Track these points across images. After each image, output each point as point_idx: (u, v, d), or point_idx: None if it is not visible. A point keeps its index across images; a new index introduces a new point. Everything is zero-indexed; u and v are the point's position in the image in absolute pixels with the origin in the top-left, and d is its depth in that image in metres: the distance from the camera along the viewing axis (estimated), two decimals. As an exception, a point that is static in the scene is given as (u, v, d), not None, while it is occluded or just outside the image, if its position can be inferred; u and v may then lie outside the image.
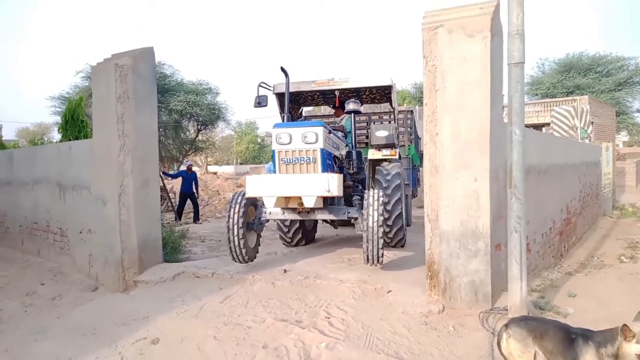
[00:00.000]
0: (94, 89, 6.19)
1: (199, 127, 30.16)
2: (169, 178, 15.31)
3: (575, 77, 29.69)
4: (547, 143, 6.66)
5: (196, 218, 13.25)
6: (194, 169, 14.50)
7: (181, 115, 27.43)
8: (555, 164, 6.85)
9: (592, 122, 14.62)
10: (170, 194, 18.65)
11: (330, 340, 3.84)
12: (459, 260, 4.32)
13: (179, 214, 13.45)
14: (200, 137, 31.81)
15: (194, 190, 13.39)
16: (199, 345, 4.00)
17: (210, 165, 47.28)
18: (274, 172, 5.64)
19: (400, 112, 9.51)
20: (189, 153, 30.61)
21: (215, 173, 31.14)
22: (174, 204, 14.99)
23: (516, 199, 3.84)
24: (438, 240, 4.41)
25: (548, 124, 15.85)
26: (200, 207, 14.23)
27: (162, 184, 15.18)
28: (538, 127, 19.39)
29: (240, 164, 50.37)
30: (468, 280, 4.30)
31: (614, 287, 5.30)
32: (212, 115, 28.65)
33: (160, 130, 27.62)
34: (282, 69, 6.49)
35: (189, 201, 13.41)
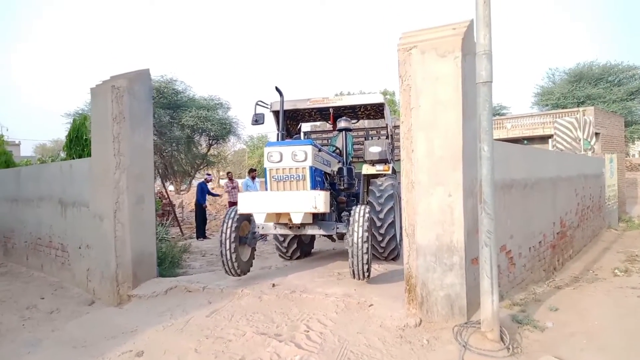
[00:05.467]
0: (93, 110, 6.47)
1: (211, 141, 30.61)
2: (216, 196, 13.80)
3: (585, 87, 29.44)
4: (534, 157, 6.70)
5: (202, 234, 12.88)
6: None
7: (193, 130, 27.77)
8: (545, 178, 6.88)
9: (598, 134, 14.52)
10: (177, 209, 18.94)
11: (304, 353, 3.94)
12: (435, 274, 4.40)
13: (202, 232, 12.79)
14: (212, 151, 32.28)
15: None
16: (180, 357, 4.14)
17: (223, 179, 47.77)
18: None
19: (396, 126, 9.62)
20: (201, 167, 31.04)
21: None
22: (179, 219, 15.03)
23: (486, 213, 3.92)
24: (415, 255, 4.51)
25: (552, 136, 15.79)
26: (207, 222, 14.15)
27: (167, 199, 15.47)
28: (544, 138, 19.32)
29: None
30: (444, 294, 4.38)
31: (599, 301, 5.30)
32: (223, 130, 28.95)
33: (173, 145, 28.13)
34: (277, 89, 6.70)
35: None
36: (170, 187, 30.18)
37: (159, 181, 20.63)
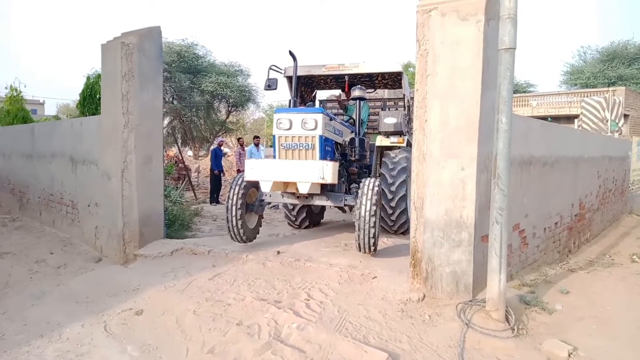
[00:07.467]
0: (103, 68, 6.35)
1: (230, 108, 30.54)
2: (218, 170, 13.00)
3: (618, 67, 28.29)
4: (556, 134, 6.39)
5: (215, 199, 12.81)
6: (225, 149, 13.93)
7: (212, 96, 27.77)
8: (567, 157, 6.59)
9: (627, 115, 13.93)
10: (194, 174, 19.04)
11: (302, 321, 3.87)
12: (441, 250, 4.25)
13: (216, 197, 12.70)
14: (231, 118, 32.21)
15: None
16: (178, 318, 4.12)
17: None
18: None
19: (414, 98, 9.33)
20: (220, 134, 31.11)
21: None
22: (193, 184, 15.09)
23: (499, 189, 3.72)
24: (422, 229, 4.35)
25: (578, 116, 15.23)
26: (222, 187, 14.15)
27: (183, 163, 15.52)
28: (570, 118, 18.67)
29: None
30: (450, 270, 4.24)
31: (613, 287, 5.10)
32: (242, 97, 28.89)
33: (193, 110, 28.16)
34: (291, 53, 6.47)
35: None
36: (189, 153, 30.40)
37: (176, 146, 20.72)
